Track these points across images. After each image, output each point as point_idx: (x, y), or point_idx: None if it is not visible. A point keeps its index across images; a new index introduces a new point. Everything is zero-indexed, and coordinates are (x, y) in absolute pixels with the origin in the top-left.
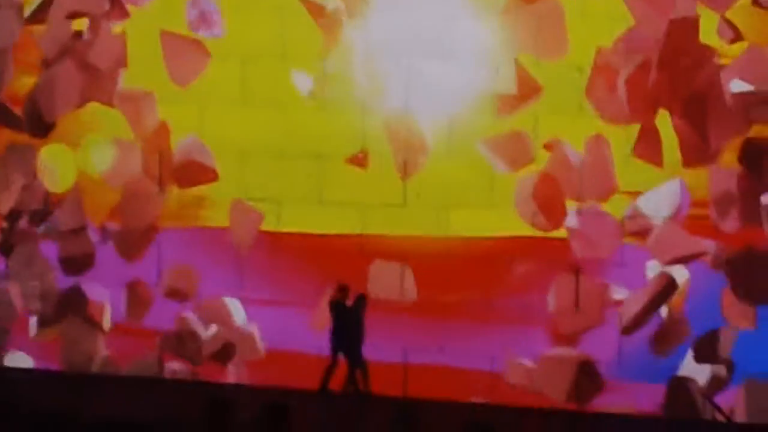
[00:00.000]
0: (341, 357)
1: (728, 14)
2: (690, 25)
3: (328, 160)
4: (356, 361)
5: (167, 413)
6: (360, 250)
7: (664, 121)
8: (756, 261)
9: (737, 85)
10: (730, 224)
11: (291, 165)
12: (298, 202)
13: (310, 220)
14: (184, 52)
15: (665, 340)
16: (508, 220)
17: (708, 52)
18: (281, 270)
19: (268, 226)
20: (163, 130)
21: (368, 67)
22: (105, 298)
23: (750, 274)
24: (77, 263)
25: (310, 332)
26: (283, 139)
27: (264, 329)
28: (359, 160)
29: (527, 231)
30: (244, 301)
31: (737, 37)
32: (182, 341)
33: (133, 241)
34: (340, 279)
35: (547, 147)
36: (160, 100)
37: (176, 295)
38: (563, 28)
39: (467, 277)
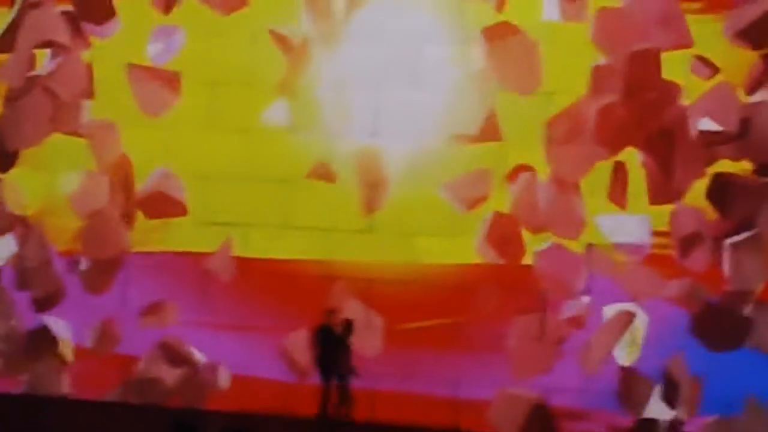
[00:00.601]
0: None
1: (702, 49)
2: (651, 58)
3: (293, 185)
4: (342, 387)
5: None
6: (325, 276)
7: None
8: (718, 311)
9: (705, 124)
10: (693, 263)
11: (257, 190)
12: (264, 227)
13: (276, 245)
14: (154, 84)
15: (631, 397)
16: (473, 248)
17: (672, 88)
18: (247, 295)
19: (234, 250)
20: (124, 162)
21: (336, 96)
22: (71, 334)
23: (713, 324)
24: (46, 301)
25: (275, 358)
26: (250, 164)
27: (229, 355)
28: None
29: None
30: (210, 326)
31: (713, 72)
32: (145, 388)
33: (100, 274)
34: (327, 304)
35: (512, 177)
36: (127, 124)
37: (151, 324)
38: (537, 64)
39: (433, 303)
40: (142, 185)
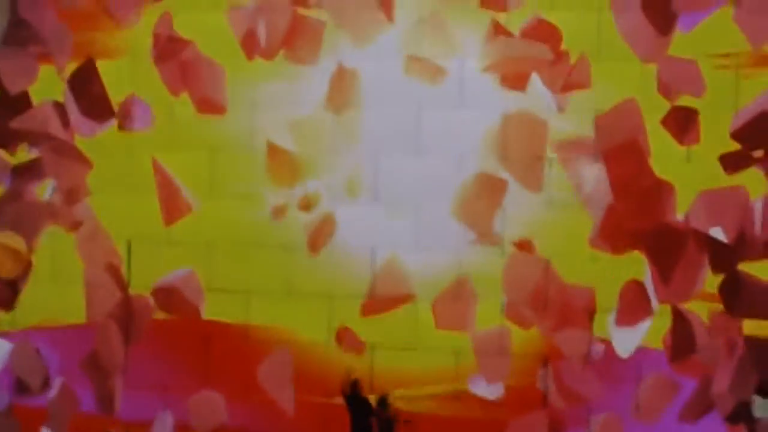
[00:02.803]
0: None
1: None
2: (635, 148)
3: (296, 251)
4: None
5: None
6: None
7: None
8: None
9: (716, 233)
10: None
11: (259, 256)
12: (266, 294)
13: (278, 312)
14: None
15: None
16: (486, 314)
17: (665, 186)
18: (250, 363)
19: (237, 318)
20: (114, 269)
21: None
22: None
23: None
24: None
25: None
26: (251, 230)
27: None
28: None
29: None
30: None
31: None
32: None
33: (106, 395)
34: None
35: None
36: (128, 191)
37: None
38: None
39: (435, 370)
40: (162, 279)
